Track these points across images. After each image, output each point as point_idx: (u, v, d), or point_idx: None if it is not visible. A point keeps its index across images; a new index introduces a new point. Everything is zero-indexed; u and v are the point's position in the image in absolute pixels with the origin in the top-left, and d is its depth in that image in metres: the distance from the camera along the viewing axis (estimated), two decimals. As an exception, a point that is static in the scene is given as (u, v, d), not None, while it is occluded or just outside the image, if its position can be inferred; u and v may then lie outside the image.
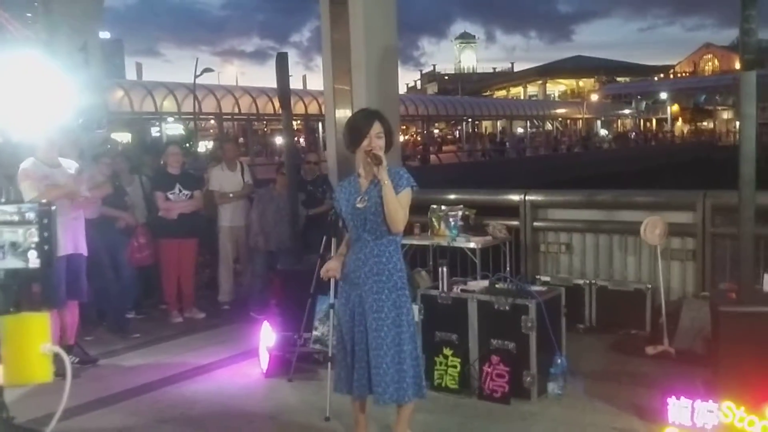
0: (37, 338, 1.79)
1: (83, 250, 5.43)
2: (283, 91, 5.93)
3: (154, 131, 32.27)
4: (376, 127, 3.44)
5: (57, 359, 5.21)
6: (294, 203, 6.30)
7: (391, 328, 3.42)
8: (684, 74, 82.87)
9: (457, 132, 54.48)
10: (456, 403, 4.46)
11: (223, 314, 7.07)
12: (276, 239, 6.74)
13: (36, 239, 2.17)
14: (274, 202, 6.79)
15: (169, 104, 29.92)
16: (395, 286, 3.45)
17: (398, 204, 3.37)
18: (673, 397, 3.69)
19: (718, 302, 3.91)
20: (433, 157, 34.85)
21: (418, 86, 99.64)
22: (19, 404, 2.22)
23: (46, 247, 2.19)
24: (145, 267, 6.87)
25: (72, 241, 5.31)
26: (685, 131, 64.92)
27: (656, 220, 5.57)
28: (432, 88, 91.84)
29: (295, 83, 37.01)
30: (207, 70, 29.97)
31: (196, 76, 28.76)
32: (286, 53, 5.99)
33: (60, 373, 5.12)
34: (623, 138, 55.29)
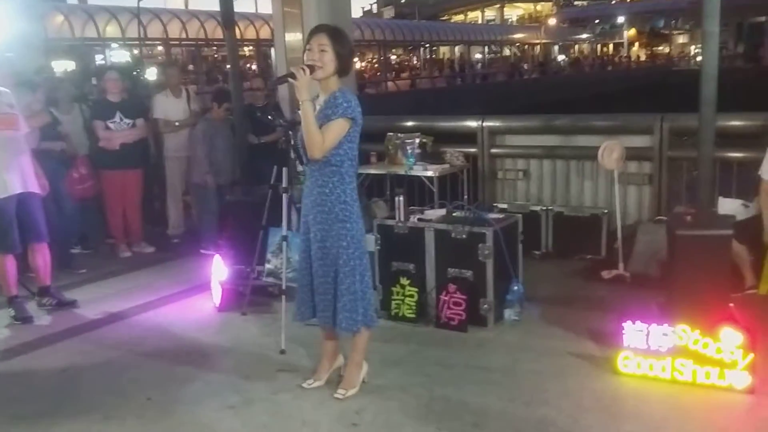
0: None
1: (34, 187, 5.00)
2: (227, 12, 5.56)
3: (99, 58, 30.84)
4: (320, 39, 3.23)
5: (13, 304, 4.96)
6: (242, 131, 6.03)
7: (334, 260, 3.36)
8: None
9: (415, 58, 53.51)
10: (412, 331, 4.42)
11: (173, 248, 6.86)
12: (225, 173, 6.46)
13: None
14: (220, 133, 6.47)
15: (112, 30, 28.48)
16: (336, 218, 3.32)
17: (313, 127, 3.15)
18: (629, 321, 3.67)
19: (675, 225, 3.87)
20: (390, 84, 34.22)
21: (374, 10, 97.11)
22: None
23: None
24: (88, 199, 6.56)
25: (20, 178, 4.88)
26: (642, 56, 65.01)
27: (614, 144, 5.51)
28: (389, 13, 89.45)
29: (247, 7, 35.58)
30: (152, -8, 28.53)
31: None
32: (228, -31, 5.59)
33: (19, 317, 4.92)
34: (579, 64, 55.21)
